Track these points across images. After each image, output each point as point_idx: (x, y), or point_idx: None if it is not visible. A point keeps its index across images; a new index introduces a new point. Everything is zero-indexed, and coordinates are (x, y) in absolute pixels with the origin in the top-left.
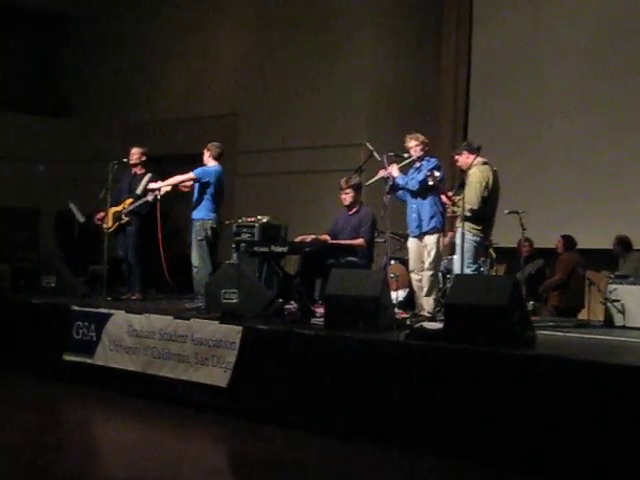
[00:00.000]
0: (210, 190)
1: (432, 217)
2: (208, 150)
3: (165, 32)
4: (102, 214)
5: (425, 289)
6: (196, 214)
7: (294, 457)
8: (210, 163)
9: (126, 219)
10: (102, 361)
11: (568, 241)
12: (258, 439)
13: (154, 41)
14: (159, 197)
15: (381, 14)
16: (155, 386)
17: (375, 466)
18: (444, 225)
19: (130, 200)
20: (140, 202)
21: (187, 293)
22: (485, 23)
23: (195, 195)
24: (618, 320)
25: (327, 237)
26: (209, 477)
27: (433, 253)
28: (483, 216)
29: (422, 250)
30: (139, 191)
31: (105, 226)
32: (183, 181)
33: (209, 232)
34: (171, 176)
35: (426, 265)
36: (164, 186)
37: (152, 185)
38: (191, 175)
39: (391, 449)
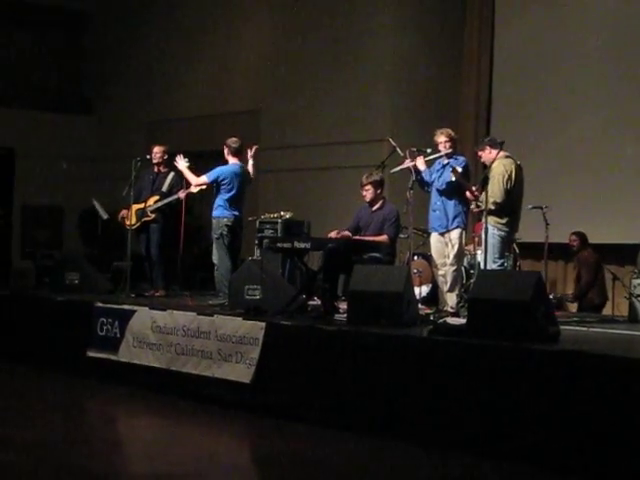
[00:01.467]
0: (226, 188)
1: (456, 217)
2: (227, 147)
3: (187, 29)
4: (125, 211)
5: (448, 284)
6: (214, 212)
7: (318, 453)
8: (230, 160)
9: (152, 216)
10: (126, 358)
11: (584, 238)
12: (282, 435)
13: (176, 38)
14: (193, 192)
15: (402, 9)
16: (179, 382)
17: (398, 461)
18: (467, 224)
19: (156, 197)
20: (170, 199)
21: (211, 290)
22: (507, 17)
23: (214, 193)
24: None
25: (348, 233)
26: (233, 473)
27: (456, 248)
28: (508, 210)
29: (445, 245)
30: (165, 189)
31: (128, 223)
32: (198, 184)
33: (225, 230)
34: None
35: (449, 260)
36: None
37: (193, 189)
38: (204, 180)
39: (414, 444)
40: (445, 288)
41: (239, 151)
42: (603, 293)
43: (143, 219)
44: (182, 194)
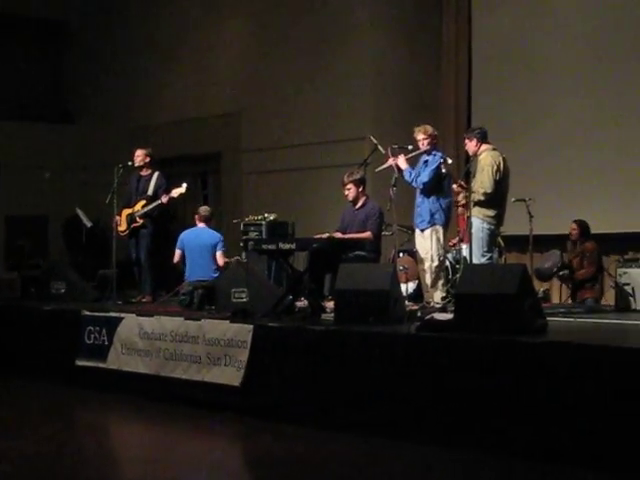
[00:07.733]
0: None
1: (434, 213)
2: (197, 214)
3: (165, 34)
4: (118, 218)
5: (429, 280)
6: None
7: (309, 454)
8: (199, 225)
9: (140, 221)
10: (115, 365)
11: (586, 227)
12: (272, 437)
13: (154, 44)
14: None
15: (379, 4)
16: (168, 388)
17: (390, 460)
18: (446, 221)
19: (143, 202)
20: (154, 205)
21: None
22: (485, 7)
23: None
24: (629, 304)
25: (339, 234)
26: (225, 477)
27: (435, 244)
28: (496, 202)
29: (426, 241)
30: (151, 192)
31: (120, 229)
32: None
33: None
34: (178, 181)
35: (428, 256)
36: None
37: (174, 192)
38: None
39: (405, 442)
40: (428, 284)
41: (209, 219)
42: (600, 292)
43: (132, 225)
44: (165, 199)
